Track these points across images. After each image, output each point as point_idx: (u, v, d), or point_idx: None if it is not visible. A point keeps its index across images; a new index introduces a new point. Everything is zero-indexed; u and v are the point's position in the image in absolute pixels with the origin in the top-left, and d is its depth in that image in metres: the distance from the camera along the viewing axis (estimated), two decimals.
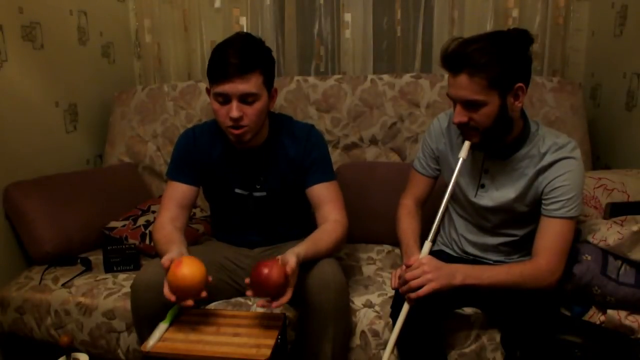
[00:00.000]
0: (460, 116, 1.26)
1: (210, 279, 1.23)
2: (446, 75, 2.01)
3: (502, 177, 1.37)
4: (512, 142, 1.32)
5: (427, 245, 1.29)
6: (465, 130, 1.29)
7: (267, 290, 1.19)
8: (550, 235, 1.28)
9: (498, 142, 1.32)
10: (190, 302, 1.20)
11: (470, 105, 1.23)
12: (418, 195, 1.54)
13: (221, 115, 1.37)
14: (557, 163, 1.29)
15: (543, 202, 1.30)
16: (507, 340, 1.36)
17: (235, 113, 1.33)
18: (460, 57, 1.20)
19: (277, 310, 1.45)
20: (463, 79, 1.21)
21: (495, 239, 1.44)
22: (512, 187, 1.35)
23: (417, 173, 1.54)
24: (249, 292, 1.22)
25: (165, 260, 1.23)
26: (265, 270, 1.17)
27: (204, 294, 1.21)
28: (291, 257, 1.22)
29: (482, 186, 1.40)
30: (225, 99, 1.35)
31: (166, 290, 1.21)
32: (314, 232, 1.41)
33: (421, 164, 1.52)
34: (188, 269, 1.19)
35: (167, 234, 1.41)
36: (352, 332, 1.44)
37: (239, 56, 1.32)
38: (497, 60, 1.18)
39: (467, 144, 1.29)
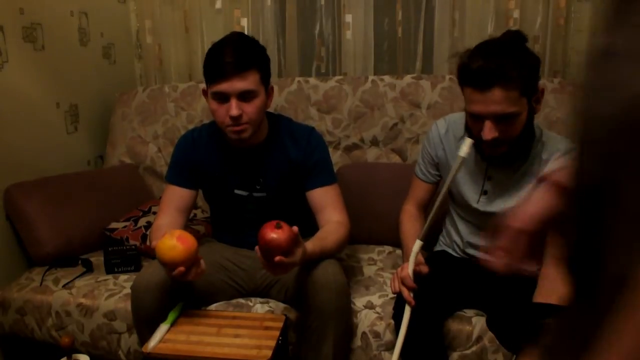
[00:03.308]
0: (492, 132, 1.20)
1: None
2: (447, 76, 2.02)
3: (504, 184, 1.37)
4: (518, 148, 1.32)
5: (418, 244, 1.25)
6: (493, 144, 1.24)
7: (269, 245, 1.18)
8: None
9: (522, 149, 1.30)
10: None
11: (503, 119, 1.19)
12: (419, 201, 1.54)
13: (220, 114, 1.37)
14: None
15: None
16: (508, 340, 1.35)
17: (234, 111, 1.34)
18: (491, 71, 1.15)
19: (278, 312, 1.45)
20: (497, 93, 1.16)
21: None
22: (515, 194, 1.35)
23: (418, 179, 1.54)
24: (259, 254, 1.21)
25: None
26: (273, 229, 1.19)
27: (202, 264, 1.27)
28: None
29: (485, 193, 1.40)
30: (223, 98, 1.35)
31: (170, 272, 1.22)
32: (318, 232, 1.41)
33: (421, 170, 1.52)
34: (176, 236, 1.22)
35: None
36: (353, 333, 1.44)
37: (235, 54, 1.32)
38: (524, 67, 1.16)
39: (468, 141, 1.19)
